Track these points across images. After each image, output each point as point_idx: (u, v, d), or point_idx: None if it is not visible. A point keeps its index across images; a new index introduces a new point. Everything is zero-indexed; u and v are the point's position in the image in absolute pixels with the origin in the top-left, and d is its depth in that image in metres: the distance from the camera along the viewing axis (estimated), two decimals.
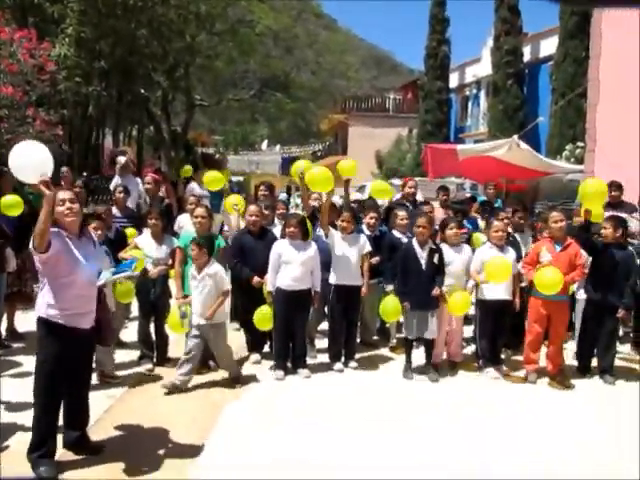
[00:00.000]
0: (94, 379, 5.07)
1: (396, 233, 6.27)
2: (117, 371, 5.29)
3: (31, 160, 3.43)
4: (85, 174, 11.00)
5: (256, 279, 5.67)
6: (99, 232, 4.96)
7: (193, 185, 9.13)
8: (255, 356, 5.86)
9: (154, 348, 5.70)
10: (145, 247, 5.58)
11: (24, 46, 9.38)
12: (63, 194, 3.62)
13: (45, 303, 3.58)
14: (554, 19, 18.99)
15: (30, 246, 3.41)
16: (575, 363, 5.90)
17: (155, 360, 5.65)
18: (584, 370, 5.74)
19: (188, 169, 9.83)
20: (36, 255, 3.43)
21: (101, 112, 15.09)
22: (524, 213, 6.61)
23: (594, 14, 10.82)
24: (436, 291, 5.44)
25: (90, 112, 14.39)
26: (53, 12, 11.23)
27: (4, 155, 8.72)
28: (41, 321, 3.61)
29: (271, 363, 5.63)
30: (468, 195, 10.18)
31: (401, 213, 6.31)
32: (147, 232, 5.73)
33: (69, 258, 3.52)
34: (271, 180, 9.68)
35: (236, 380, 5.23)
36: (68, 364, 3.65)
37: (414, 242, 5.60)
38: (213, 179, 7.10)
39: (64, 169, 9.20)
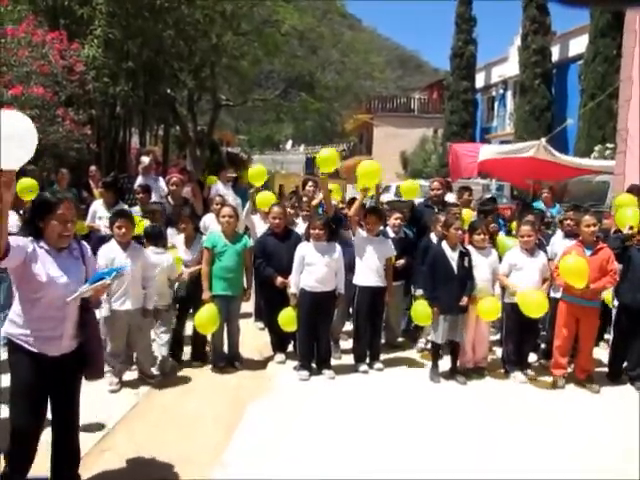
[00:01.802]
0: (134, 374, 5.17)
1: (434, 238, 6.07)
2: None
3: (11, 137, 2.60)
4: (113, 173, 11.12)
5: (279, 280, 5.68)
6: (123, 230, 4.92)
7: (218, 185, 9.18)
8: (280, 356, 5.86)
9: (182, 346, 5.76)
10: (178, 248, 5.68)
11: (55, 47, 9.53)
12: (68, 209, 3.04)
13: (9, 320, 3.10)
14: (584, 17, 18.71)
15: None
16: (605, 370, 5.78)
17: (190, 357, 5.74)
18: (615, 376, 5.61)
19: (212, 179, 9.90)
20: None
21: (128, 112, 15.27)
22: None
23: (627, 12, 10.58)
24: (465, 301, 5.37)
25: (117, 112, 14.57)
26: (82, 14, 11.39)
27: (34, 154, 8.92)
28: (6, 339, 3.13)
29: (295, 363, 5.63)
30: (488, 196, 9.99)
31: (442, 218, 5.99)
32: (179, 235, 5.85)
33: (38, 272, 2.97)
34: (295, 180, 9.69)
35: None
36: (40, 396, 3.10)
37: (444, 245, 5.53)
38: (257, 173, 7.12)
39: (92, 168, 9.35)
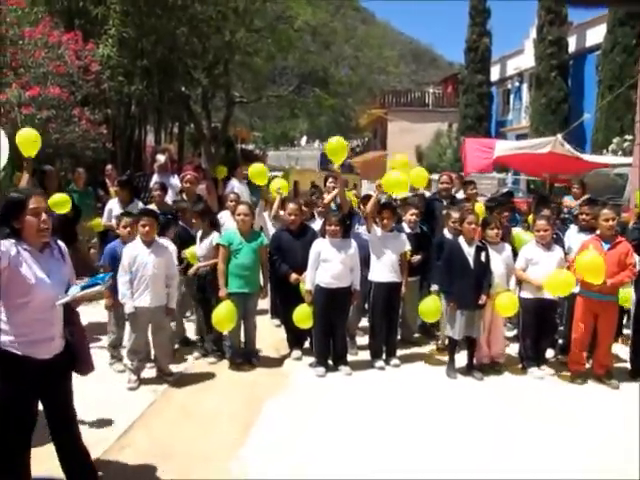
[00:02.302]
0: (153, 372, 5.22)
1: (447, 234, 6.03)
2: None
3: None
4: (128, 171, 11.19)
5: (293, 276, 5.69)
6: (147, 229, 4.98)
7: (233, 182, 9.21)
8: (296, 352, 5.88)
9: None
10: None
11: (70, 48, 9.61)
12: (38, 201, 2.97)
13: None
14: (601, 6, 18.39)
15: None
16: (624, 365, 5.71)
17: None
18: (637, 373, 5.51)
19: (222, 169, 9.94)
20: None
21: (143, 110, 15.33)
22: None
23: None
24: (483, 300, 5.35)
25: (133, 110, 14.65)
26: (97, 14, 11.46)
27: (52, 155, 9.02)
28: None
29: (311, 359, 5.64)
30: (504, 190, 9.90)
31: (454, 214, 5.98)
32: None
33: (26, 275, 2.90)
34: (310, 175, 9.70)
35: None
36: (30, 404, 3.00)
37: (461, 240, 5.50)
38: (257, 172, 7.13)
39: (109, 167, 9.44)
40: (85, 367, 3.34)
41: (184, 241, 5.91)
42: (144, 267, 4.91)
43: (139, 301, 4.93)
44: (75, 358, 3.22)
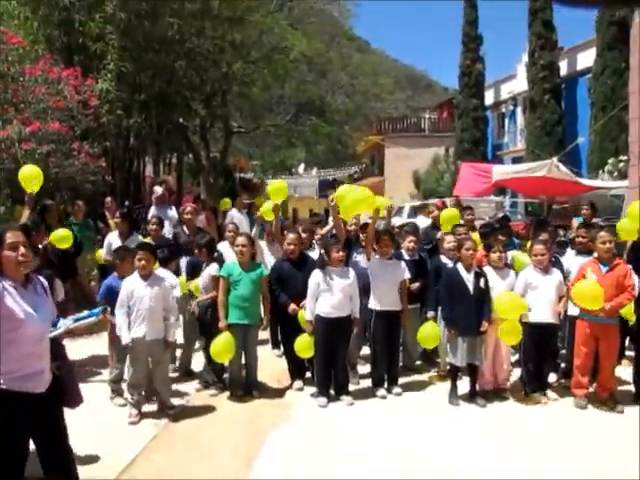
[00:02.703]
0: (155, 405, 5.19)
1: (444, 259, 6.11)
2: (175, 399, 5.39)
3: None
4: (127, 203, 11.27)
5: (292, 307, 5.67)
6: (143, 263, 4.99)
7: (233, 212, 9.26)
8: (298, 383, 5.85)
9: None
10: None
11: (70, 83, 9.77)
12: (16, 236, 2.96)
13: None
14: (590, 31, 18.76)
15: None
16: (628, 387, 5.68)
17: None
18: None
19: (226, 201, 10.01)
20: None
21: (142, 142, 15.50)
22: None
23: (632, 24, 10.61)
24: (485, 326, 5.35)
25: (131, 143, 14.81)
26: (96, 50, 11.68)
27: (52, 188, 9.09)
28: None
29: (313, 389, 5.61)
30: (501, 215, 9.94)
31: (449, 238, 6.11)
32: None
33: (14, 310, 2.89)
34: (308, 203, 9.74)
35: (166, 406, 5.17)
36: (23, 441, 2.98)
37: (459, 266, 5.52)
38: (277, 189, 6.53)
39: (108, 199, 9.51)
40: (74, 400, 3.35)
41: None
42: (140, 301, 4.91)
43: (135, 332, 4.92)
44: (63, 391, 3.22)
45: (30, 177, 5.86)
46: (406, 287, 5.85)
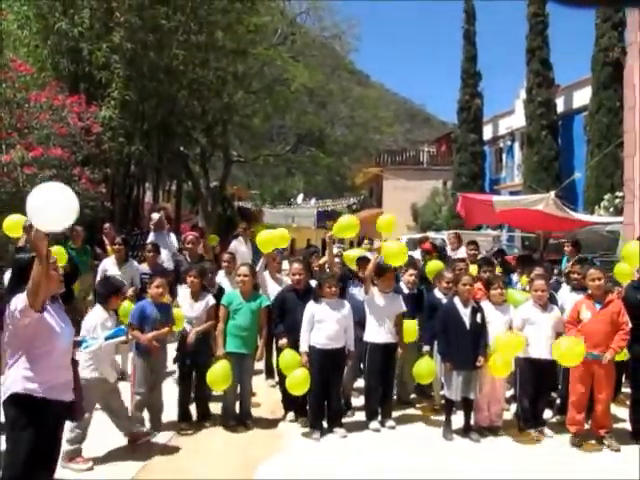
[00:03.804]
0: (124, 441, 5.03)
1: (437, 294, 6.11)
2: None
3: (59, 207, 3.01)
4: (125, 230, 11.31)
5: (282, 341, 5.59)
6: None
7: (235, 245, 9.16)
8: (291, 415, 5.79)
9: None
10: (182, 304, 5.67)
11: (74, 110, 9.92)
12: (54, 257, 3.35)
13: (21, 377, 3.17)
14: (586, 70, 19.11)
15: (18, 307, 3.07)
16: (624, 425, 5.64)
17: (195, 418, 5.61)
18: (638, 434, 5.39)
19: (213, 238, 10.00)
20: (27, 317, 3.07)
21: (142, 169, 15.64)
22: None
23: (626, 65, 10.85)
24: (480, 361, 5.32)
25: (132, 170, 14.94)
26: (101, 78, 11.88)
27: None
28: (15, 399, 3.17)
29: (305, 420, 5.56)
30: (496, 249, 9.97)
31: (447, 275, 6.07)
32: (186, 290, 5.81)
33: (48, 323, 3.22)
34: (306, 233, 9.75)
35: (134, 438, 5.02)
36: (43, 444, 3.24)
37: (456, 301, 5.53)
38: (266, 241, 6.30)
39: (107, 225, 9.54)
40: (80, 412, 3.70)
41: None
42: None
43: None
44: (73, 404, 3.45)
45: (14, 226, 5.56)
46: (402, 320, 5.83)
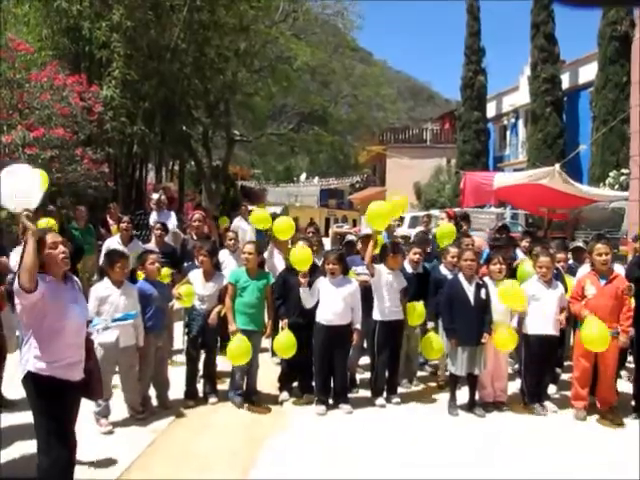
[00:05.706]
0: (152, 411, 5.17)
1: (443, 270, 6.11)
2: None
3: (16, 188, 3.26)
4: (129, 210, 11.30)
5: (282, 323, 5.59)
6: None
7: (238, 222, 9.22)
8: (284, 395, 5.78)
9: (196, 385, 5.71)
10: (194, 283, 5.68)
11: (75, 90, 9.85)
12: (54, 236, 3.32)
13: (32, 356, 3.21)
14: (592, 45, 18.87)
15: (15, 286, 3.09)
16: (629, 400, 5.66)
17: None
18: None
19: (224, 219, 10.06)
20: (22, 297, 3.09)
21: (144, 149, 15.57)
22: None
23: (634, 39, 10.68)
24: (485, 338, 5.34)
25: (134, 150, 14.87)
26: (102, 57, 11.77)
27: (54, 193, 9.14)
28: (30, 377, 3.24)
29: (307, 397, 5.61)
30: (500, 224, 9.89)
31: (452, 250, 6.05)
32: (198, 270, 5.79)
33: (57, 302, 3.22)
34: (309, 212, 9.75)
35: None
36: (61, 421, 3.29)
37: (460, 276, 5.53)
38: (260, 218, 6.67)
39: (111, 205, 9.54)
40: (97, 392, 3.67)
41: None
42: (115, 308, 4.76)
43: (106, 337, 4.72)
44: (89, 383, 3.48)
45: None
46: (406, 297, 5.83)
